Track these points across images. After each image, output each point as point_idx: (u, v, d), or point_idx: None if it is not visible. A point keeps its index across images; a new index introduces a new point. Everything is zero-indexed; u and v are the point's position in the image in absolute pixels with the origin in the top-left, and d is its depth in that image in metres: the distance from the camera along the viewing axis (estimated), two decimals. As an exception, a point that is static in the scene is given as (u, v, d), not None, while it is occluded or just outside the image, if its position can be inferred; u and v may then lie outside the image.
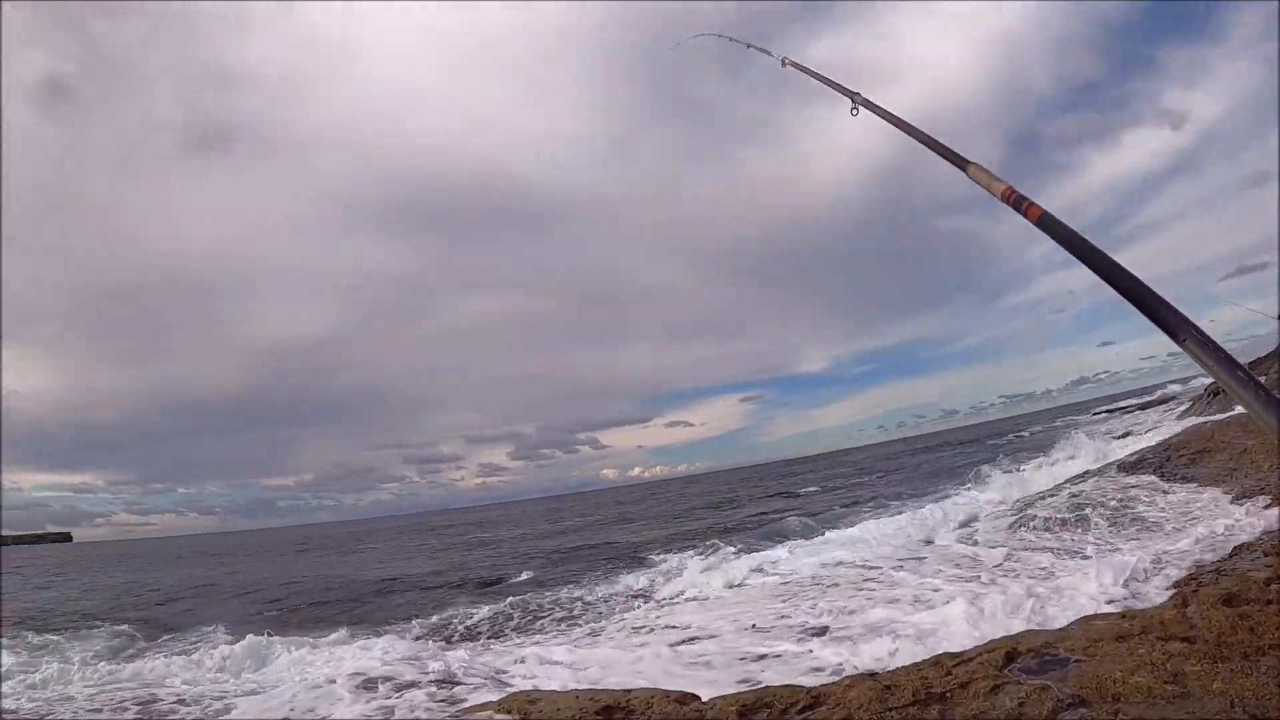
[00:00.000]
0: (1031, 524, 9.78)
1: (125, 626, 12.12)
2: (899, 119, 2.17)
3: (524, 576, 14.82)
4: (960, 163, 2.00)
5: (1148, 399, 45.42)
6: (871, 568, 8.84)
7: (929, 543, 10.26)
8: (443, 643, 8.92)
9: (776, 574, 9.81)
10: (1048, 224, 1.72)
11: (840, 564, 9.47)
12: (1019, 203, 1.83)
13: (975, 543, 9.47)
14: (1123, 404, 48.72)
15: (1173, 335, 1.22)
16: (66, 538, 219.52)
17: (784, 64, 3.22)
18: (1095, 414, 45.20)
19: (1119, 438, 20.75)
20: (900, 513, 14.46)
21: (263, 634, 9.05)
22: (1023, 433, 45.64)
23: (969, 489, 16.48)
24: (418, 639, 9.18)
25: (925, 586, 7.35)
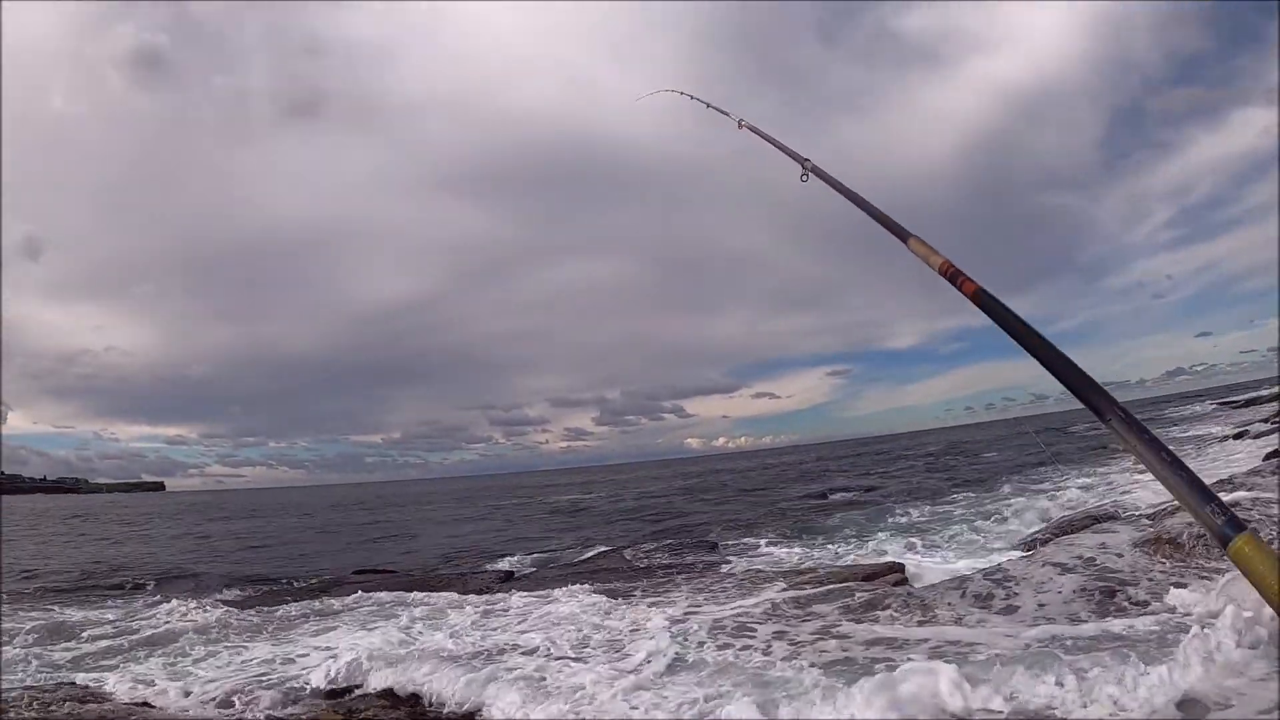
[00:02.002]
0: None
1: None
2: (845, 188, 2.26)
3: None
4: (901, 234, 2.08)
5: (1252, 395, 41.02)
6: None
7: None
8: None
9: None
10: (982, 300, 1.77)
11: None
12: (955, 277, 1.88)
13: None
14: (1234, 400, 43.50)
15: (1099, 415, 1.29)
16: (160, 487, 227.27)
17: (740, 125, 3.33)
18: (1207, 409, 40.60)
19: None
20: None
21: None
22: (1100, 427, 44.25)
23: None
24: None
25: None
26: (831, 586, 7.05)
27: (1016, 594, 5.75)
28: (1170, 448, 1.13)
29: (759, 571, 9.12)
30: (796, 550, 11.79)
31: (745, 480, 36.38)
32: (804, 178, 2.57)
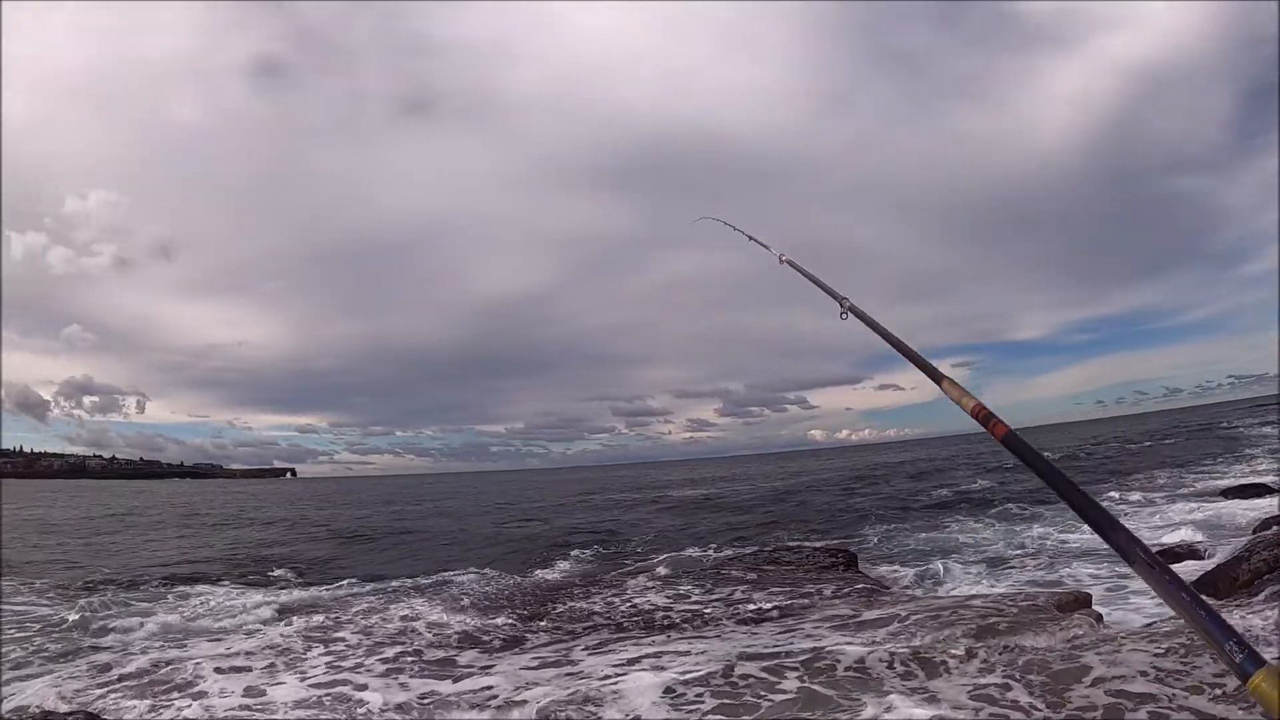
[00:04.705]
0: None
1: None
2: (882, 328, 2.31)
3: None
4: (936, 377, 2.13)
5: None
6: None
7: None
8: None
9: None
10: (1011, 443, 1.83)
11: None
12: (987, 420, 1.91)
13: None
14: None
15: (1124, 556, 1.17)
16: (292, 473, 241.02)
17: (781, 260, 3.31)
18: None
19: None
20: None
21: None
22: (1239, 426, 38.32)
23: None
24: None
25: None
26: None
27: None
28: (1191, 586, 1.10)
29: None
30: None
31: (910, 469, 34.04)
32: (843, 316, 2.60)
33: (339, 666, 6.53)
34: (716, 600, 9.04)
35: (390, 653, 6.97)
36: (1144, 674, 4.68)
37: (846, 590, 8.85)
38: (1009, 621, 6.27)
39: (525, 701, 5.36)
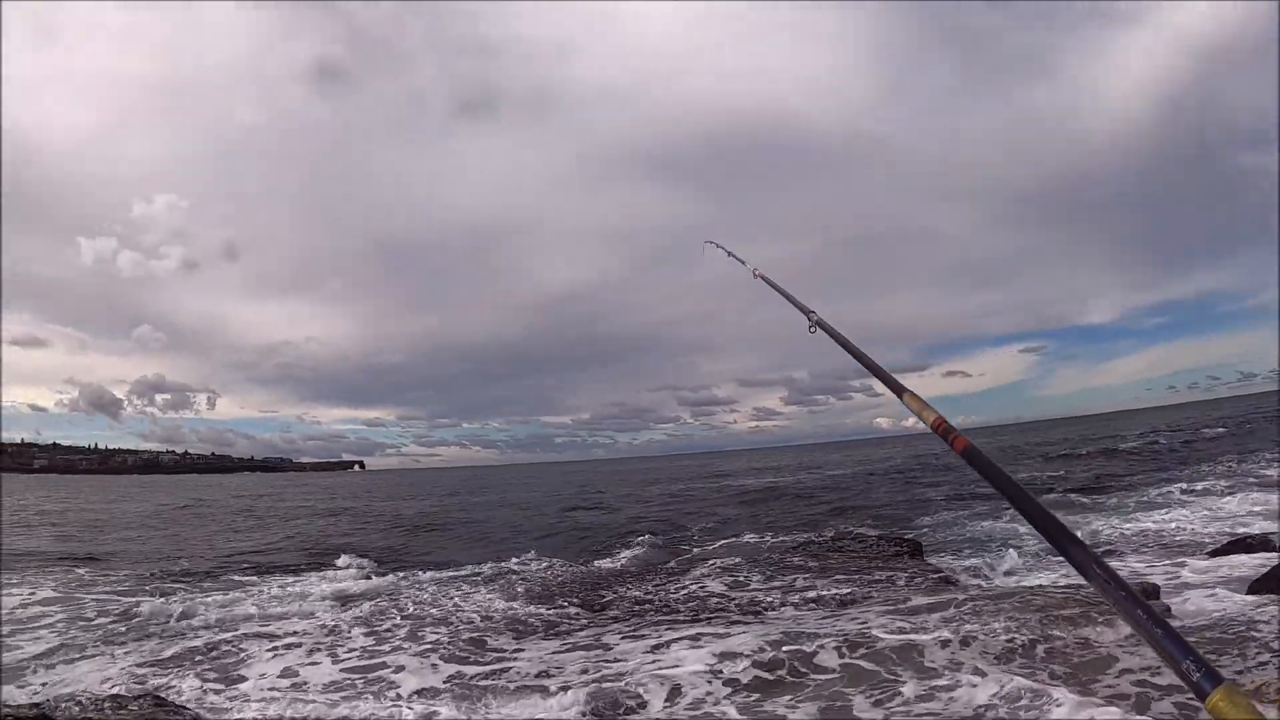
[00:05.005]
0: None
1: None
2: (847, 342, 2.27)
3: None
4: (898, 390, 2.11)
5: None
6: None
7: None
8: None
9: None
10: (971, 455, 1.82)
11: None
12: (947, 433, 1.89)
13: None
14: None
15: (1080, 571, 1.28)
16: (360, 465, 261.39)
17: (754, 274, 3.42)
18: None
19: None
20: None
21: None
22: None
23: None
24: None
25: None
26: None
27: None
28: (1148, 603, 1.12)
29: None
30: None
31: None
32: (811, 330, 2.60)
33: (378, 650, 6.83)
34: (776, 588, 9.05)
35: (432, 637, 7.24)
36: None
37: (914, 579, 8.74)
38: (1073, 611, 6.10)
39: (546, 685, 5.56)
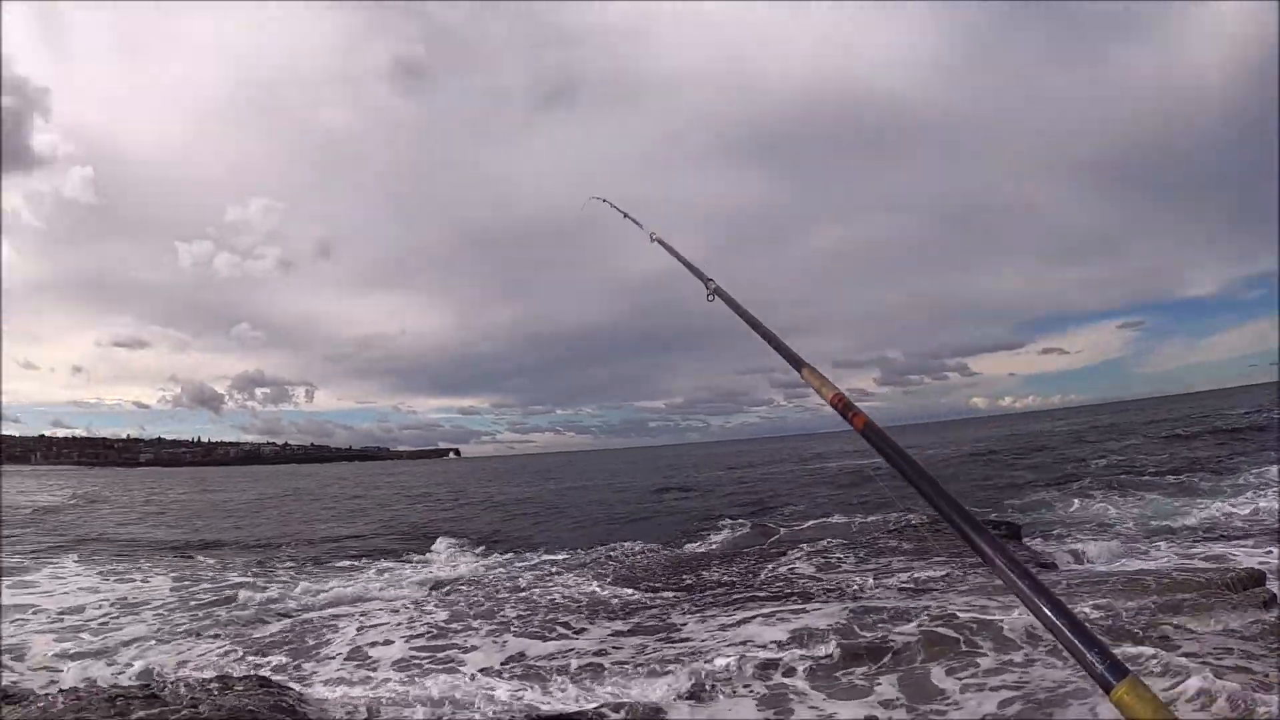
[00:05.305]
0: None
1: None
2: (745, 312, 2.27)
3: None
4: (797, 364, 2.00)
5: None
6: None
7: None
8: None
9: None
10: (869, 434, 1.71)
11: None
12: (846, 409, 1.85)
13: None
14: None
15: (984, 558, 1.18)
16: (455, 453, 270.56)
17: (651, 239, 3.36)
18: None
19: None
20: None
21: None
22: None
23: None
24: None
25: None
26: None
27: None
28: (1054, 592, 1.08)
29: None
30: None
31: (1071, 438, 29.80)
32: (710, 298, 2.53)
33: (451, 629, 7.14)
34: (869, 569, 8.88)
35: (506, 616, 7.53)
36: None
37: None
38: (1170, 598, 5.90)
39: (602, 664, 5.73)
